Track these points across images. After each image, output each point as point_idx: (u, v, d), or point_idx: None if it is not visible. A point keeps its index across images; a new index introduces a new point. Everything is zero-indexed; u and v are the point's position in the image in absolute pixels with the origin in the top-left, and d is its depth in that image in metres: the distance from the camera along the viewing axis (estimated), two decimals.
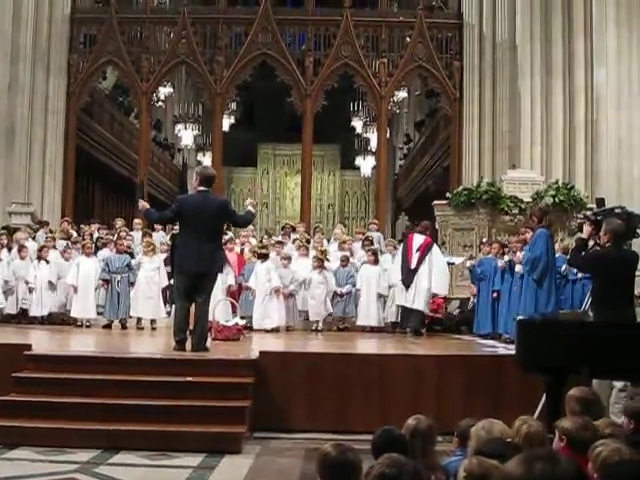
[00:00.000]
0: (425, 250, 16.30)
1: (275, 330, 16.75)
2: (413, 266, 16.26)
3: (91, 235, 19.45)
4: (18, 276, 17.67)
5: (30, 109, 23.52)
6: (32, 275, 17.65)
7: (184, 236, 12.14)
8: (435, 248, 16.60)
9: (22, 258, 17.90)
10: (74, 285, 17.14)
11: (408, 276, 16.28)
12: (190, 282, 12.02)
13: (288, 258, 17.56)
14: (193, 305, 12.21)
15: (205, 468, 8.53)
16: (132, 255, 17.75)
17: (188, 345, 11.89)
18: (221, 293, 16.68)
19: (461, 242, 18.59)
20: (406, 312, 16.48)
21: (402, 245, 17.11)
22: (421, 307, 16.13)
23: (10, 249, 18.45)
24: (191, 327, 12.23)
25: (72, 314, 17.38)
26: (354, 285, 17.51)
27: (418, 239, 16.49)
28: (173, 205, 12.42)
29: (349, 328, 17.65)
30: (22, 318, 17.71)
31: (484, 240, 17.55)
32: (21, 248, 18.03)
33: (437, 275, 16.30)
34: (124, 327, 16.99)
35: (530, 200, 18.45)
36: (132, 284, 17.03)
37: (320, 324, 17.39)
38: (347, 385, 10.99)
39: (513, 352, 9.64)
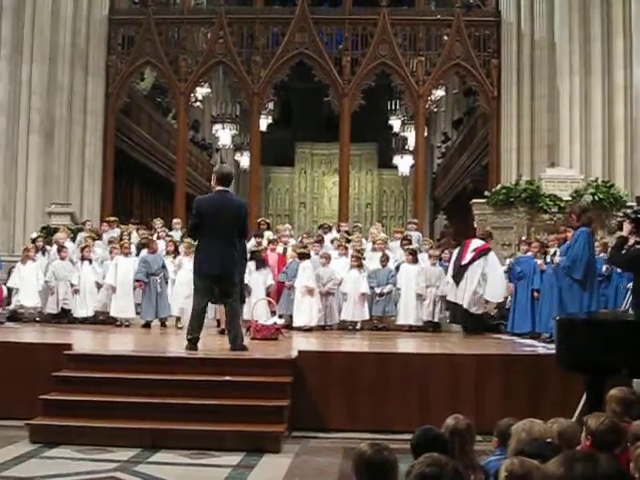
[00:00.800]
0: (480, 253, 16.31)
1: (310, 329, 16.76)
2: (464, 262, 16.28)
3: (129, 235, 19.50)
4: (58, 276, 17.80)
5: (69, 110, 23.65)
6: (76, 276, 17.81)
7: (204, 238, 11.99)
8: (492, 255, 16.58)
9: (62, 259, 18.02)
10: (113, 285, 17.28)
11: (459, 272, 16.32)
12: (211, 284, 11.95)
13: (328, 257, 17.55)
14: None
15: (244, 467, 8.56)
16: (178, 252, 17.79)
17: (202, 345, 11.94)
18: (262, 293, 16.77)
19: (500, 241, 18.52)
20: (457, 308, 16.52)
21: (459, 246, 17.11)
22: (465, 305, 16.12)
23: (44, 252, 18.56)
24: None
25: (111, 314, 17.49)
26: (395, 284, 17.47)
27: (477, 242, 16.55)
28: (193, 209, 12.30)
29: (387, 327, 17.63)
30: (63, 318, 17.85)
31: (523, 239, 17.46)
32: (61, 248, 18.15)
33: (492, 282, 16.29)
34: (164, 325, 17.06)
35: (569, 198, 18.38)
36: (166, 281, 17.10)
37: (358, 324, 17.41)
38: (386, 384, 10.98)
39: (553, 351, 9.59)
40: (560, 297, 13.60)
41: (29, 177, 22.26)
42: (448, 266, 17.69)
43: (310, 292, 16.84)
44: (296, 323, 16.83)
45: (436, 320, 17.30)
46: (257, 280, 17.02)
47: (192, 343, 11.83)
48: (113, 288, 17.30)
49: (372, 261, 18.01)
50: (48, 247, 18.81)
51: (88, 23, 24.33)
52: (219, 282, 11.89)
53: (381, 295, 17.41)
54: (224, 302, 12.15)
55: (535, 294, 15.55)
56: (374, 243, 18.55)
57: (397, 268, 17.76)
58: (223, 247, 11.70)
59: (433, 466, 4.17)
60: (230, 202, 12.00)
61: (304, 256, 17.29)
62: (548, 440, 5.16)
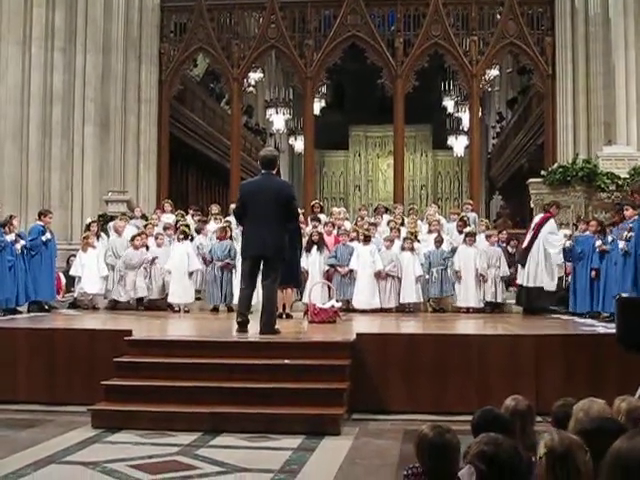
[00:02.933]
0: (538, 228, 16.31)
1: (375, 311, 16.90)
2: (525, 245, 16.32)
3: (181, 221, 19.54)
4: (128, 264, 18.01)
5: (123, 98, 23.80)
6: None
7: (247, 220, 12.22)
8: (549, 225, 16.55)
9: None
10: (169, 271, 17.50)
11: (522, 255, 16.35)
12: (254, 266, 12.09)
13: (391, 240, 17.59)
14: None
15: (305, 450, 8.59)
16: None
17: (250, 327, 12.01)
18: (319, 276, 16.85)
19: (557, 220, 18.36)
20: (522, 290, 16.55)
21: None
22: (545, 284, 16.23)
23: (98, 237, 18.69)
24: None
25: (169, 299, 17.71)
26: (446, 266, 17.50)
27: (536, 218, 16.57)
28: (238, 194, 12.58)
29: (444, 309, 17.62)
30: (140, 304, 18.10)
31: (582, 218, 17.33)
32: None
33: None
34: (230, 310, 17.06)
35: (627, 176, 18.17)
36: (235, 269, 17.13)
37: (419, 305, 17.54)
38: (445, 366, 10.95)
39: (613, 331, 9.51)
40: (621, 276, 13.56)
41: (85, 166, 22.44)
42: (505, 246, 17.75)
43: (379, 275, 17.09)
44: (369, 305, 16.99)
45: (499, 301, 17.32)
46: (313, 263, 17.15)
47: (241, 326, 11.96)
48: (169, 271, 17.61)
49: (427, 243, 18.02)
50: (102, 234, 18.97)
51: (140, 11, 24.47)
52: (260, 264, 12.01)
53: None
54: (262, 284, 12.17)
55: (593, 273, 15.42)
56: (430, 225, 18.53)
57: (453, 250, 17.74)
58: (263, 229, 11.76)
59: (490, 445, 4.18)
60: (272, 184, 12.01)
61: (367, 239, 17.45)
62: (608, 417, 5.11)
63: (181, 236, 17.86)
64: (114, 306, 18.05)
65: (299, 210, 17.19)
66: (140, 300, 18.14)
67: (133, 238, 18.20)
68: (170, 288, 17.67)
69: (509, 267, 17.50)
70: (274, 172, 12.30)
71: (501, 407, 5.71)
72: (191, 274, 17.69)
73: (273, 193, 11.83)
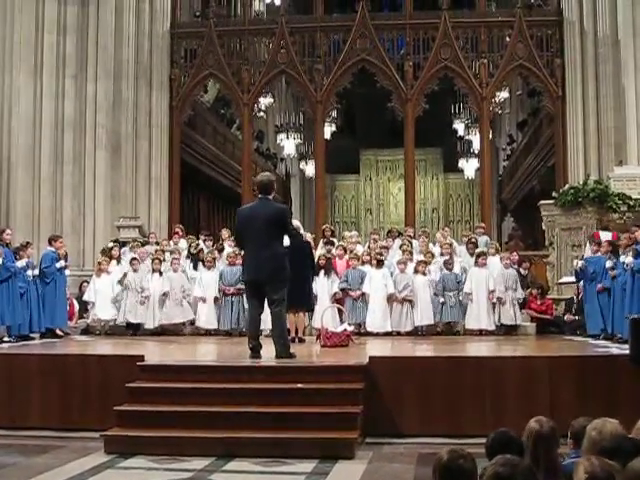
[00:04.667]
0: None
1: (388, 334, 16.89)
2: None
3: (196, 246, 19.56)
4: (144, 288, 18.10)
5: (134, 125, 23.85)
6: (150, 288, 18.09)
7: (245, 245, 12.36)
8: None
9: (134, 271, 18.20)
10: (202, 297, 17.92)
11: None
12: (254, 290, 12.17)
13: (404, 263, 17.57)
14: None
15: (318, 474, 8.57)
16: None
17: (263, 352, 12.04)
18: (328, 300, 16.82)
19: (569, 242, 18.35)
20: None
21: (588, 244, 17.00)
22: None
23: (119, 261, 18.74)
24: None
25: (197, 324, 18.15)
26: (459, 290, 17.48)
27: (605, 236, 16.41)
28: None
29: (459, 332, 17.57)
30: (136, 330, 18.06)
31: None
32: (132, 260, 18.41)
33: None
34: (243, 335, 17.12)
35: (638, 197, 18.13)
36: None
37: (432, 328, 17.51)
38: (459, 388, 10.91)
39: (627, 352, 9.49)
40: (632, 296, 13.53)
41: (97, 192, 22.55)
42: (517, 269, 17.69)
43: (391, 299, 17.08)
44: (381, 328, 17.09)
45: (518, 322, 17.28)
46: (323, 287, 17.14)
47: (253, 352, 11.98)
48: (203, 299, 17.93)
49: (439, 265, 18.00)
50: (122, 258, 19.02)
51: (150, 38, 24.54)
52: (259, 288, 12.05)
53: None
54: (270, 310, 12.18)
55: (599, 286, 15.30)
56: (441, 247, 18.50)
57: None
58: (259, 253, 11.82)
59: (507, 466, 4.18)
60: (267, 209, 12.04)
61: (380, 263, 17.44)
62: (630, 436, 5.07)
63: (210, 264, 18.17)
64: (136, 330, 18.13)
65: (309, 235, 17.26)
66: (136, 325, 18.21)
67: (153, 261, 18.34)
68: (200, 314, 18.06)
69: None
70: (271, 197, 12.35)
71: (515, 429, 5.66)
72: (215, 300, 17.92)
73: (268, 218, 11.86)
